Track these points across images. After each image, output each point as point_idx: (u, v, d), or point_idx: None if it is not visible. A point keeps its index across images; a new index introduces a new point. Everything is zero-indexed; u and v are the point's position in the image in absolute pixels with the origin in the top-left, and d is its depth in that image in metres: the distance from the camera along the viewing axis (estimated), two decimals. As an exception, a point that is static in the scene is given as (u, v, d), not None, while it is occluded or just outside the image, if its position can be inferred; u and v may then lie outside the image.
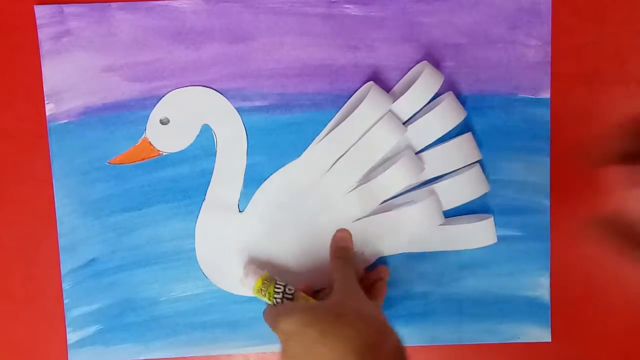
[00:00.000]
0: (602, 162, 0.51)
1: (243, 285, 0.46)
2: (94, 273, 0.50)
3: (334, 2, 0.49)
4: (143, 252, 0.50)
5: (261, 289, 0.45)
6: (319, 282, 0.49)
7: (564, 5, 0.50)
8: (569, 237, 0.51)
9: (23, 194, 0.50)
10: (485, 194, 0.49)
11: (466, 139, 0.49)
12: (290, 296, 0.44)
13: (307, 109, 0.50)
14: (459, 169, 0.49)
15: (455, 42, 0.50)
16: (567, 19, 0.50)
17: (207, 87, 0.49)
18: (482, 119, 0.50)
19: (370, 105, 0.47)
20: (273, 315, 0.41)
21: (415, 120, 0.48)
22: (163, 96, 0.49)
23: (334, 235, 0.49)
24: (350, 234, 0.48)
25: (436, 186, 0.49)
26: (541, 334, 0.51)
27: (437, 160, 0.49)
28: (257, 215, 0.49)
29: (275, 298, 0.44)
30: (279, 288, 0.45)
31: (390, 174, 0.47)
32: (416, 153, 0.49)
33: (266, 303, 0.45)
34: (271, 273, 0.46)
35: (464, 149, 0.49)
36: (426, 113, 0.48)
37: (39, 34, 0.49)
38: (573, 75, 0.51)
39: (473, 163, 0.49)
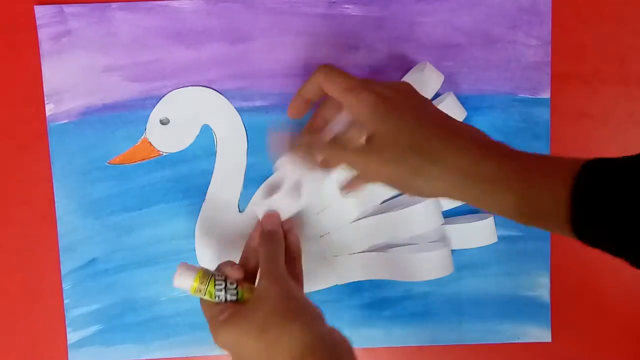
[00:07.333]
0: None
1: (178, 287, 0.41)
2: (94, 273, 0.50)
3: (334, 2, 0.49)
4: (143, 252, 0.50)
5: (199, 289, 0.40)
6: (321, 282, 0.49)
7: (564, 5, 0.50)
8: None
9: (23, 194, 0.50)
10: (485, 194, 0.49)
11: (466, 139, 0.49)
12: (234, 290, 0.41)
13: (307, 109, 0.50)
14: (459, 169, 0.49)
15: (455, 42, 0.50)
16: (567, 19, 0.50)
17: (207, 87, 0.49)
18: (482, 119, 0.50)
19: (370, 105, 0.47)
20: (212, 325, 0.39)
21: (415, 120, 0.48)
22: (163, 96, 0.49)
23: (262, 219, 0.46)
24: (279, 217, 0.46)
25: (436, 186, 0.48)
26: (541, 334, 0.51)
27: (437, 160, 0.49)
28: (257, 215, 0.49)
29: (217, 296, 0.40)
30: (219, 284, 0.40)
31: (390, 174, 0.46)
32: (416, 153, 0.48)
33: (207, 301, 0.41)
34: (206, 268, 0.42)
35: (464, 149, 0.48)
36: (426, 113, 0.48)
37: (39, 34, 0.49)
38: (573, 75, 0.51)
39: (473, 163, 0.49)
